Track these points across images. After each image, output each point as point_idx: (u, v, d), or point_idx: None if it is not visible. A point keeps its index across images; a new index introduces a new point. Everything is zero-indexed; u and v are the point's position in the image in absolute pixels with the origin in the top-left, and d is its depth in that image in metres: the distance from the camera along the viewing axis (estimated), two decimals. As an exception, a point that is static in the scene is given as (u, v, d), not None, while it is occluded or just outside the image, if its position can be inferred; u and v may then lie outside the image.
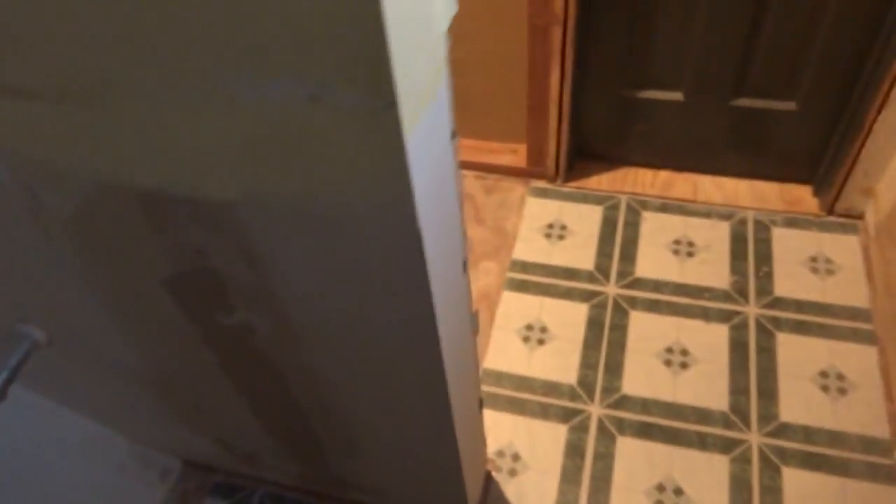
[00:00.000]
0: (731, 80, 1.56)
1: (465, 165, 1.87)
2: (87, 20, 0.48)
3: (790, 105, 1.56)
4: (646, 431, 1.37)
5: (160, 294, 0.84)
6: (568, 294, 1.60)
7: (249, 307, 0.84)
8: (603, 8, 1.50)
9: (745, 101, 1.59)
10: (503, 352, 1.52)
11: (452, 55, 1.89)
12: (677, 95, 1.62)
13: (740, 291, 1.55)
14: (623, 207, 1.75)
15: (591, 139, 1.80)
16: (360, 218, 0.64)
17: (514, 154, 1.85)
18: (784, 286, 1.55)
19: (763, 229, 1.65)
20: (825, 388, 1.38)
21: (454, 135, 0.69)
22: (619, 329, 1.52)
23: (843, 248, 1.60)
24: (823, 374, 1.40)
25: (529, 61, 1.59)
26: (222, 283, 0.79)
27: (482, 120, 1.83)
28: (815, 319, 1.48)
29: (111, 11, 0.47)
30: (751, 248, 1.62)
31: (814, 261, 1.58)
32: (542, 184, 1.83)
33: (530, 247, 1.70)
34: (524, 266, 1.66)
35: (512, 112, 1.76)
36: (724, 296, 1.55)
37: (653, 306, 1.55)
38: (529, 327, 1.55)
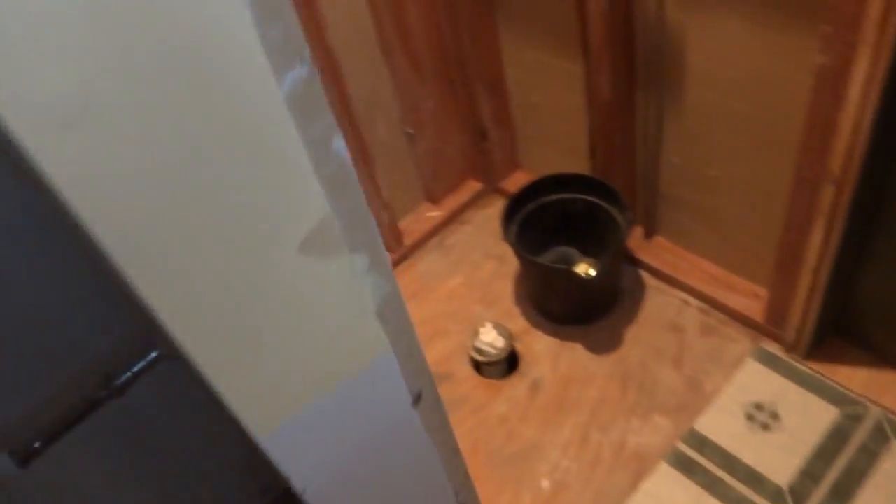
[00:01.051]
0: None
1: (692, 292, 1.57)
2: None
3: None
4: None
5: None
6: None
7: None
8: (910, 177, 1.10)
9: None
10: (626, 535, 1.26)
11: (709, 170, 1.57)
12: None
13: None
14: (869, 423, 1.32)
15: (857, 319, 1.37)
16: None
17: (755, 300, 1.50)
18: None
19: None
20: None
21: (418, 399, 0.53)
22: (781, 584, 1.16)
23: None
24: None
25: (789, 212, 1.24)
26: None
27: (728, 246, 1.52)
28: None
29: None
30: None
31: None
32: (774, 348, 1.46)
33: (722, 422, 1.38)
34: (702, 443, 1.35)
35: (763, 251, 1.42)
36: None
37: (841, 578, 1.14)
38: (671, 521, 1.27)
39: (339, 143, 0.38)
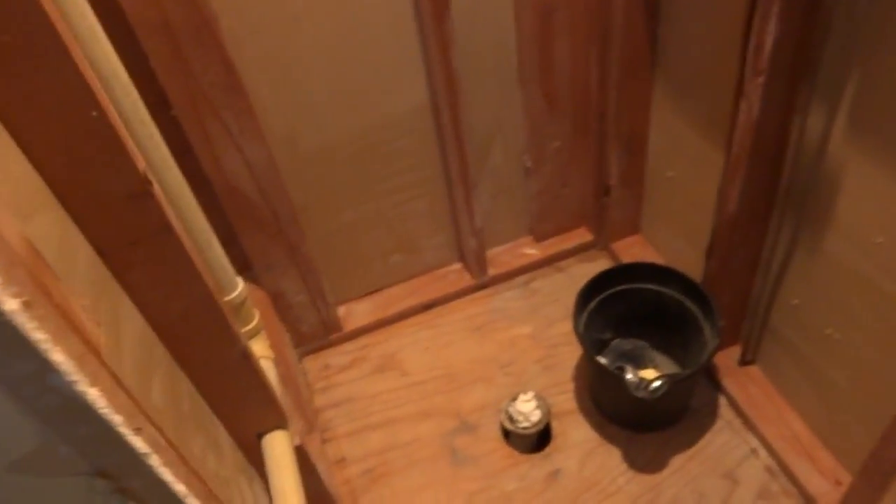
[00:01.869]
0: None
1: (767, 445, 1.37)
2: None
3: None
4: None
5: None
6: None
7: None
8: None
9: None
10: None
11: (828, 328, 1.37)
12: None
13: None
14: None
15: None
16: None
17: (834, 486, 1.28)
18: None
19: None
20: None
21: None
22: None
23: None
24: None
25: (892, 424, 1.02)
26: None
27: (826, 412, 1.30)
28: None
29: None
30: None
31: None
32: (832, 550, 1.24)
33: None
34: None
35: (862, 436, 1.20)
36: None
37: None
38: None
39: (58, 380, 0.34)
